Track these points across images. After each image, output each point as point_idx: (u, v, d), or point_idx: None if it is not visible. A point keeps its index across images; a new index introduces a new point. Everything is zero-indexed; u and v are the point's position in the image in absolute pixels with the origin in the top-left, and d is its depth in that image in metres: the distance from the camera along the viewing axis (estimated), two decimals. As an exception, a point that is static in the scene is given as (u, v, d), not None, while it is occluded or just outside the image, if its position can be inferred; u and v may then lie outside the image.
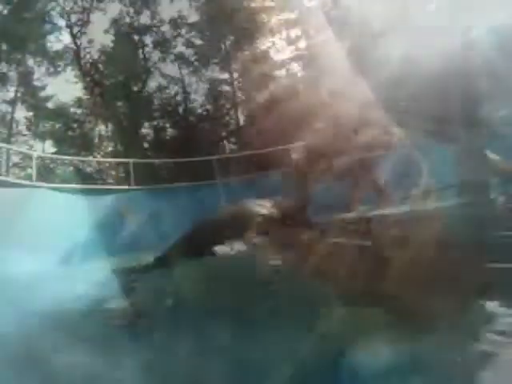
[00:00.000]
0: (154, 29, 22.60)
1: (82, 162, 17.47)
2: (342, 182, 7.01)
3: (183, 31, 22.85)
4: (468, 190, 2.96)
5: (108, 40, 22.02)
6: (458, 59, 2.90)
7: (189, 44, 22.99)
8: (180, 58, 22.86)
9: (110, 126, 20.84)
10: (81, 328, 2.30)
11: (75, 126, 20.51)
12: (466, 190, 3.02)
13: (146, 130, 22.07)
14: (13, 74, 19.10)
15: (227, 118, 22.82)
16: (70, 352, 2.01)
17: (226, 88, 22.95)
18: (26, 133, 19.77)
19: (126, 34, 22.03)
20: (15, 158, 16.52)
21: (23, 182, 9.72)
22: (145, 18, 22.56)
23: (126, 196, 10.79)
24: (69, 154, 17.43)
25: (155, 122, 21.91)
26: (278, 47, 23.32)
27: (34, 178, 9.56)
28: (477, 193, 2.86)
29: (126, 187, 11.33)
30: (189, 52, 23.04)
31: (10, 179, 10.14)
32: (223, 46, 22.88)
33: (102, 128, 21.08)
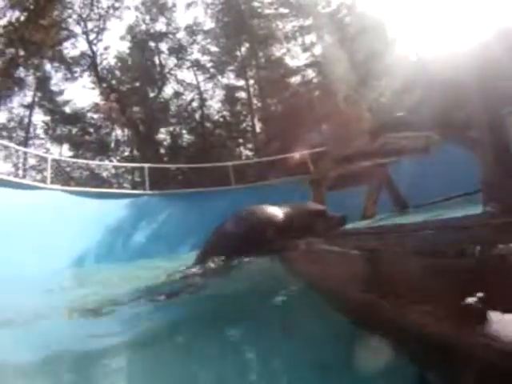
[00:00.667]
0: (170, 36, 22.77)
1: (99, 165, 17.27)
2: (357, 188, 6.69)
3: (199, 38, 23.04)
4: (493, 196, 2.62)
5: (124, 47, 22.27)
6: (472, 61, 2.69)
7: (204, 51, 23.09)
8: (196, 65, 22.90)
9: (127, 131, 20.76)
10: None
11: (92, 130, 20.50)
12: (490, 196, 2.67)
13: (162, 135, 22.05)
14: (30, 79, 19.16)
15: (244, 124, 22.66)
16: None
17: (242, 94, 22.83)
18: (43, 136, 19.89)
19: (142, 41, 22.16)
20: (32, 161, 16.46)
21: (38, 184, 9.58)
22: (161, 25, 22.89)
23: (140, 200, 10.56)
24: (85, 158, 17.30)
25: (171, 128, 21.81)
26: (293, 54, 23.42)
27: (48, 180, 9.56)
28: (502, 200, 2.52)
29: (141, 192, 11.11)
30: (204, 59, 23.19)
31: (26, 181, 10.02)
32: (239, 53, 22.90)
33: (118, 133, 21.01)
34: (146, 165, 11.81)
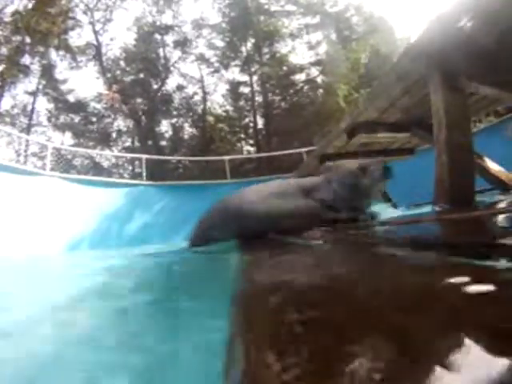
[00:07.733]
0: (176, 29, 22.76)
1: (99, 155, 17.40)
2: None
3: (204, 32, 23.01)
4: (444, 195, 2.56)
5: (130, 38, 22.32)
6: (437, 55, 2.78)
7: (209, 45, 23.08)
8: (200, 59, 22.92)
9: (129, 122, 20.84)
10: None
11: (94, 120, 20.61)
12: (440, 195, 2.61)
13: (164, 127, 22.17)
14: (35, 67, 19.22)
15: (246, 119, 22.68)
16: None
17: (246, 90, 22.85)
18: (46, 124, 20.00)
19: (148, 33, 22.18)
20: (34, 148, 16.56)
21: (38, 170, 9.76)
22: (167, 18, 22.90)
23: (136, 190, 10.69)
24: (87, 147, 17.43)
25: (173, 120, 21.88)
26: (298, 51, 23.39)
27: (47, 167, 9.67)
28: (452, 199, 2.48)
29: (138, 182, 11.25)
30: (209, 53, 23.18)
31: (27, 167, 10.20)
32: (244, 48, 22.91)
33: (120, 123, 21.10)
34: (144, 156, 12.08)
